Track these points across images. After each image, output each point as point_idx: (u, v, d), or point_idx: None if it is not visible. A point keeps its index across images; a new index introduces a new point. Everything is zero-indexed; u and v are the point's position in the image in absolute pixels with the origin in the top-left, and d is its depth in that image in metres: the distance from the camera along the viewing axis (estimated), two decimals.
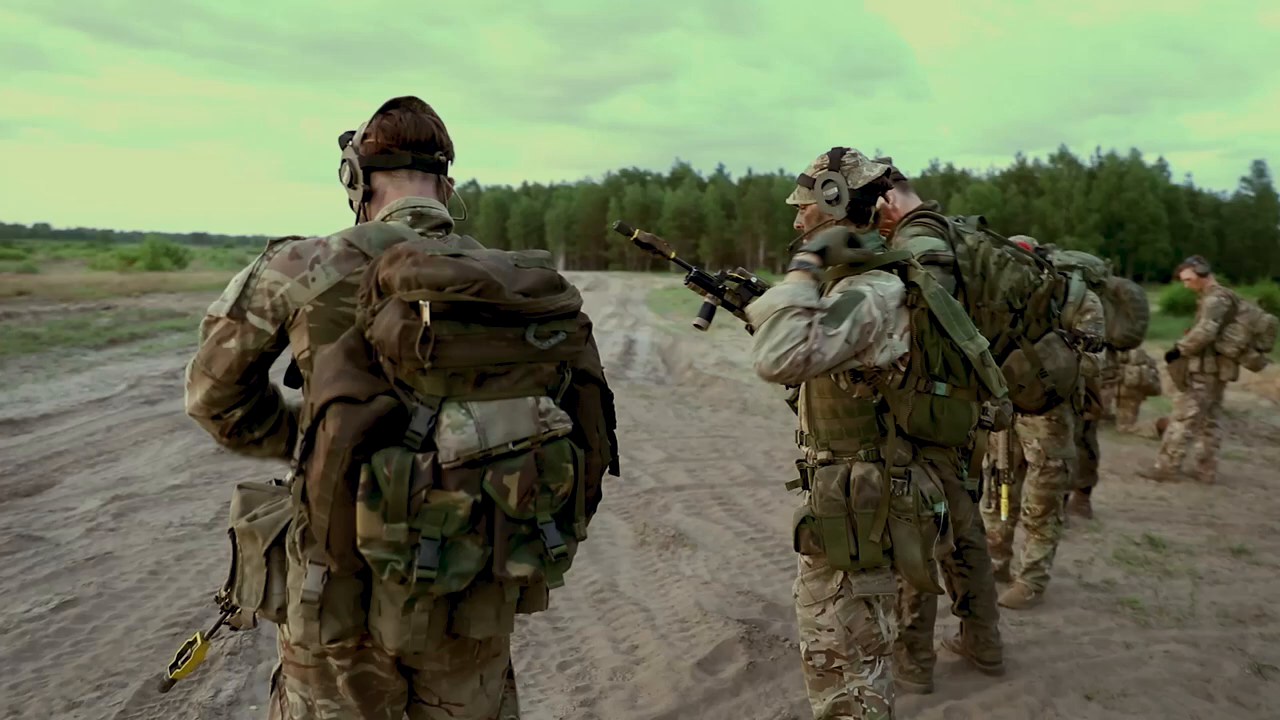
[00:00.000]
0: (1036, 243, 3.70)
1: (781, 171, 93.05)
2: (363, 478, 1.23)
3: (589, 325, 1.48)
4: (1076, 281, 3.63)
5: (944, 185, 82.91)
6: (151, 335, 12.89)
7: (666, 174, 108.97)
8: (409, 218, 1.56)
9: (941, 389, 2.00)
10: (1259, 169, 70.89)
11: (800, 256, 2.04)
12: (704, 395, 10.06)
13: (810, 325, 1.89)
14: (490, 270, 1.29)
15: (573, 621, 3.74)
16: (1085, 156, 73.04)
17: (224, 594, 1.54)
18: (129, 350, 11.40)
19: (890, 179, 2.34)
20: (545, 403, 1.37)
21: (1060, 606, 3.99)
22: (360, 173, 1.63)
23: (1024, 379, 2.95)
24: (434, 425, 1.26)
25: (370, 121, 1.63)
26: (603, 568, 4.38)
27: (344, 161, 1.67)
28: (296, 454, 1.30)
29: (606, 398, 1.54)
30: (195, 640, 1.71)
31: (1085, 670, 3.36)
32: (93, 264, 31.08)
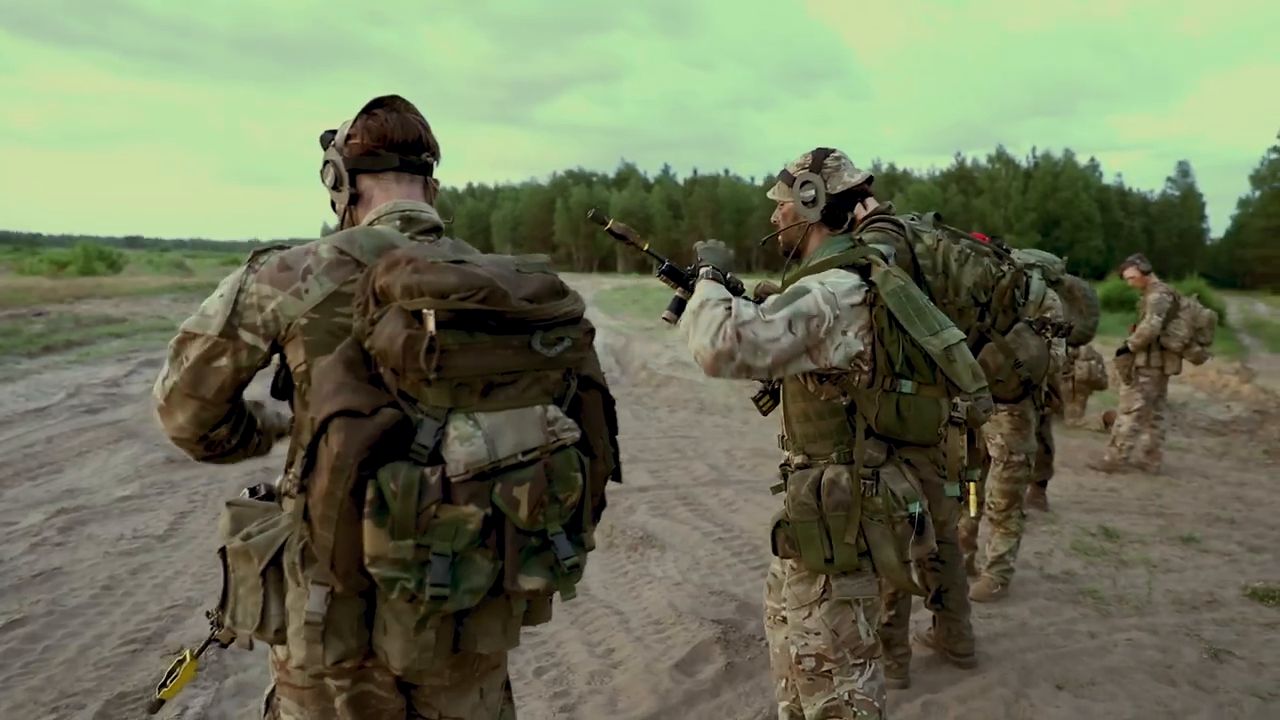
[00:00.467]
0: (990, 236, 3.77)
1: (727, 172, 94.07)
2: (369, 494, 1.18)
3: (593, 331, 1.46)
4: (1036, 280, 3.71)
5: (887, 185, 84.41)
6: (89, 342, 12.41)
7: (612, 175, 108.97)
8: (398, 222, 1.53)
9: (907, 387, 1.99)
10: (1183, 170, 73.74)
11: (701, 269, 2.16)
12: (660, 396, 10.06)
13: (730, 309, 1.90)
14: (494, 277, 1.25)
15: (545, 626, 3.69)
16: (1022, 157, 75.05)
17: (214, 614, 1.48)
18: (65, 358, 10.96)
19: (869, 186, 2.35)
20: (553, 411, 1.34)
21: (1025, 598, 4.08)
22: (345, 175, 1.58)
23: (1000, 372, 3.00)
24: (441, 437, 1.23)
25: (354, 122, 1.58)
26: None
27: (327, 163, 1.62)
28: (296, 471, 1.25)
29: (609, 403, 1.52)
30: (184, 658, 1.65)
31: (1054, 660, 3.43)
32: (20, 269, 29.78)
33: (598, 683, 3.20)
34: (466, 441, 1.22)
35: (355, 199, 1.60)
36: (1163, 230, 72.03)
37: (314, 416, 1.21)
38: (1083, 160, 71.69)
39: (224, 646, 1.58)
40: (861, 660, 2.16)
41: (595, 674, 3.26)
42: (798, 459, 2.18)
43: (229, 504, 1.49)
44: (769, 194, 2.45)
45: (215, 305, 1.39)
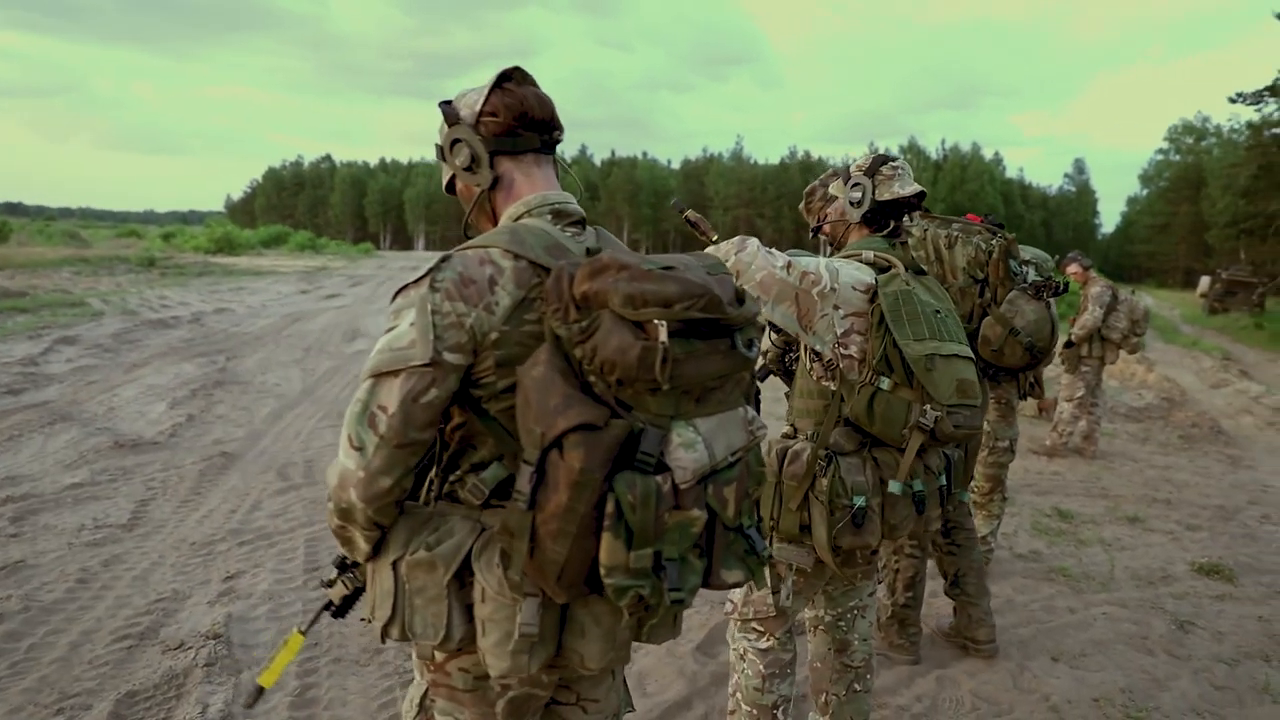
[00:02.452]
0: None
1: (644, 154, 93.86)
2: (609, 507, 1.17)
3: (762, 328, 1.49)
4: (1032, 275, 3.88)
5: (802, 172, 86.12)
6: None
7: None
8: (549, 216, 1.46)
9: (884, 384, 2.08)
10: (1079, 166, 77.75)
11: None
12: None
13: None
14: (708, 283, 1.26)
15: None
16: (932, 149, 77.62)
17: (369, 619, 1.42)
18: None
19: (919, 200, 2.40)
20: (750, 411, 1.37)
21: (1005, 577, 4.29)
22: (485, 157, 1.47)
23: (998, 342, 3.13)
24: (664, 445, 1.22)
25: (487, 95, 1.47)
26: None
27: (457, 141, 1.48)
28: (522, 487, 1.20)
29: (757, 396, 1.56)
30: (287, 640, 1.60)
31: (1045, 635, 3.64)
32: None
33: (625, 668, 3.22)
34: (690, 448, 1.23)
35: (494, 184, 1.50)
36: (1060, 224, 75.82)
37: (541, 431, 1.18)
38: (988, 154, 74.70)
39: (337, 617, 1.58)
40: (763, 629, 2.29)
41: None
42: (784, 429, 2.31)
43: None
44: (830, 189, 2.50)
45: (408, 335, 1.29)
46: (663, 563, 1.22)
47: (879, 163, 2.36)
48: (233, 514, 4.68)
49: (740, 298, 1.33)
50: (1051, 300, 3.31)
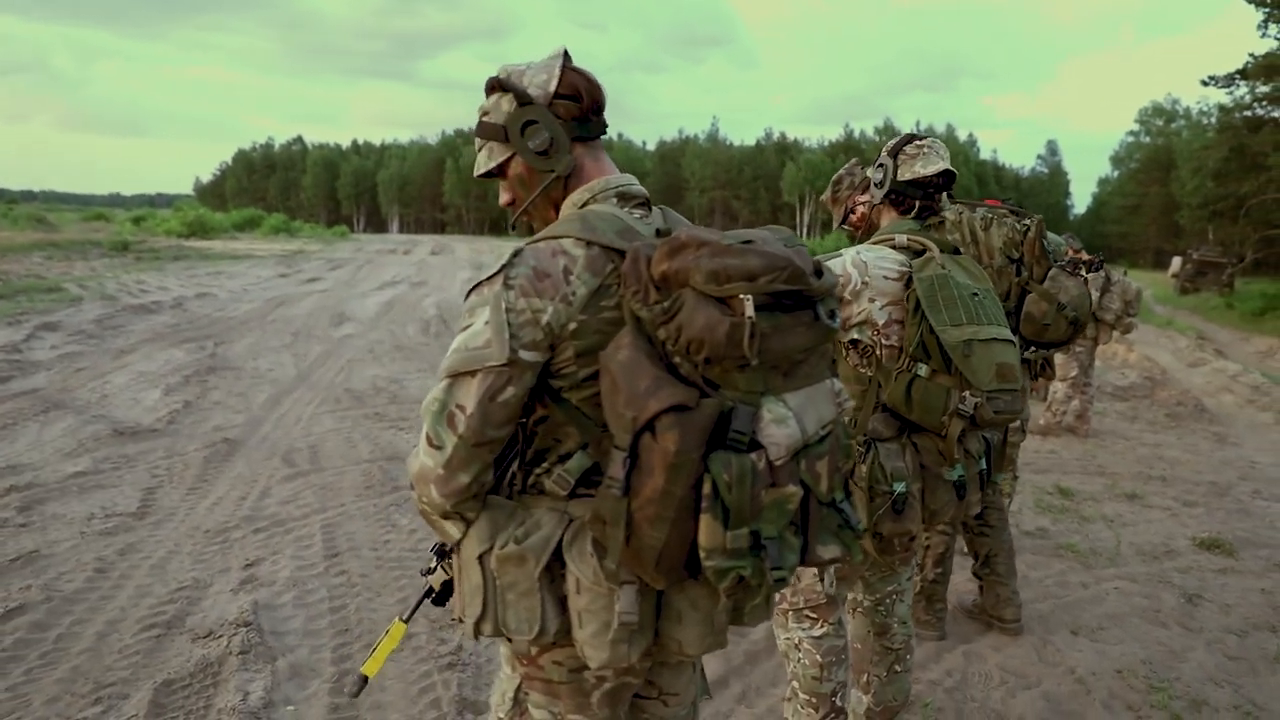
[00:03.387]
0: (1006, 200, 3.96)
1: (620, 136, 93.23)
2: (705, 488, 1.16)
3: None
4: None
5: (778, 154, 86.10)
6: None
7: None
8: (614, 199, 1.43)
9: (922, 370, 2.08)
10: (1052, 148, 78.33)
11: None
12: None
13: None
14: (789, 255, 1.25)
15: None
16: (907, 130, 77.82)
17: (459, 617, 1.41)
18: None
19: (942, 179, 2.39)
20: (835, 382, 1.36)
21: (1017, 554, 4.36)
22: (566, 141, 1.41)
23: (1046, 317, 3.17)
24: (756, 422, 1.22)
25: (558, 75, 1.40)
26: None
27: (532, 123, 1.39)
28: (615, 473, 1.18)
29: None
30: (389, 630, 1.60)
31: (1063, 609, 3.71)
32: None
33: None
34: (782, 423, 1.21)
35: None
36: (1033, 205, 76.32)
37: (634, 415, 1.16)
38: (962, 136, 75.15)
39: (439, 604, 1.56)
40: (816, 616, 2.29)
41: None
42: None
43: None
44: (868, 172, 2.52)
45: (484, 334, 1.27)
46: (762, 542, 1.23)
47: (904, 142, 2.36)
48: (243, 501, 4.64)
49: (819, 270, 1.34)
50: (1087, 275, 3.37)
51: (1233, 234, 31.16)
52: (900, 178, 2.31)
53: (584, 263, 1.30)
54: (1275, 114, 24.00)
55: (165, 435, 5.78)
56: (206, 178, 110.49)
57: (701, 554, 1.17)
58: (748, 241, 1.23)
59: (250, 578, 3.66)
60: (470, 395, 1.27)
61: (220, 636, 3.13)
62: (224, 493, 4.76)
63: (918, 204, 2.33)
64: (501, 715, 1.49)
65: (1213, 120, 47.99)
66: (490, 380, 1.27)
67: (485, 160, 1.48)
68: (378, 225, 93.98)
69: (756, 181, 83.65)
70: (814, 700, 2.29)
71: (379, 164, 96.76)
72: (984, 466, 2.20)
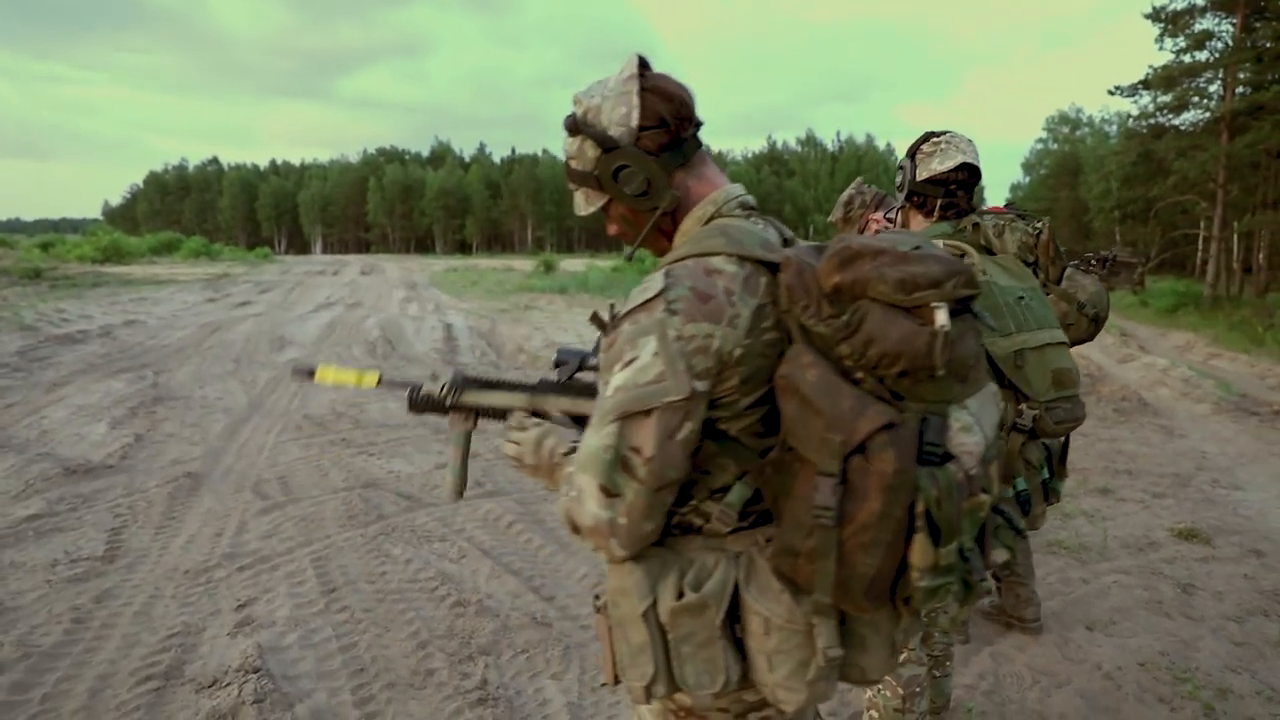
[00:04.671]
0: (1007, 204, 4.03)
1: (545, 151, 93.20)
2: (919, 506, 1.11)
3: None
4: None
5: None
6: None
7: (426, 153, 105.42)
8: (738, 211, 1.35)
9: None
10: None
11: None
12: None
13: None
14: (958, 259, 1.22)
15: (591, 617, 3.59)
16: (828, 141, 79.77)
17: (610, 683, 1.32)
18: None
19: (962, 174, 2.37)
20: (993, 384, 1.32)
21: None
22: (662, 177, 1.30)
23: (1068, 318, 3.22)
24: (945, 432, 1.17)
25: (637, 105, 1.29)
26: (582, 560, 4.23)
27: (624, 168, 1.30)
28: (825, 501, 1.11)
29: None
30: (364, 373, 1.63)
31: (1073, 605, 3.77)
32: None
33: None
34: (969, 431, 1.17)
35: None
36: None
37: (843, 438, 1.10)
38: (881, 145, 77.37)
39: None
40: None
41: None
42: None
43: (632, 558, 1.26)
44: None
45: (654, 367, 1.16)
46: (965, 554, 1.19)
47: (920, 142, 2.35)
48: (218, 537, 4.38)
49: None
50: (1101, 273, 3.42)
51: (1140, 235, 32.76)
52: (918, 178, 2.29)
53: (740, 281, 1.22)
54: (1174, 122, 25.34)
55: (120, 471, 5.44)
56: (116, 201, 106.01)
57: (914, 574, 1.13)
58: (917, 247, 1.19)
59: (246, 619, 3.45)
60: (648, 436, 1.17)
61: (228, 685, 2.93)
62: (196, 530, 4.49)
63: (939, 203, 2.31)
64: None
65: (1114, 128, 50.50)
66: (668, 418, 1.17)
67: (584, 204, 1.40)
68: (300, 246, 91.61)
69: None
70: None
71: (299, 184, 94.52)
72: (1046, 476, 2.18)
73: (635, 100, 1.29)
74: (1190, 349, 15.47)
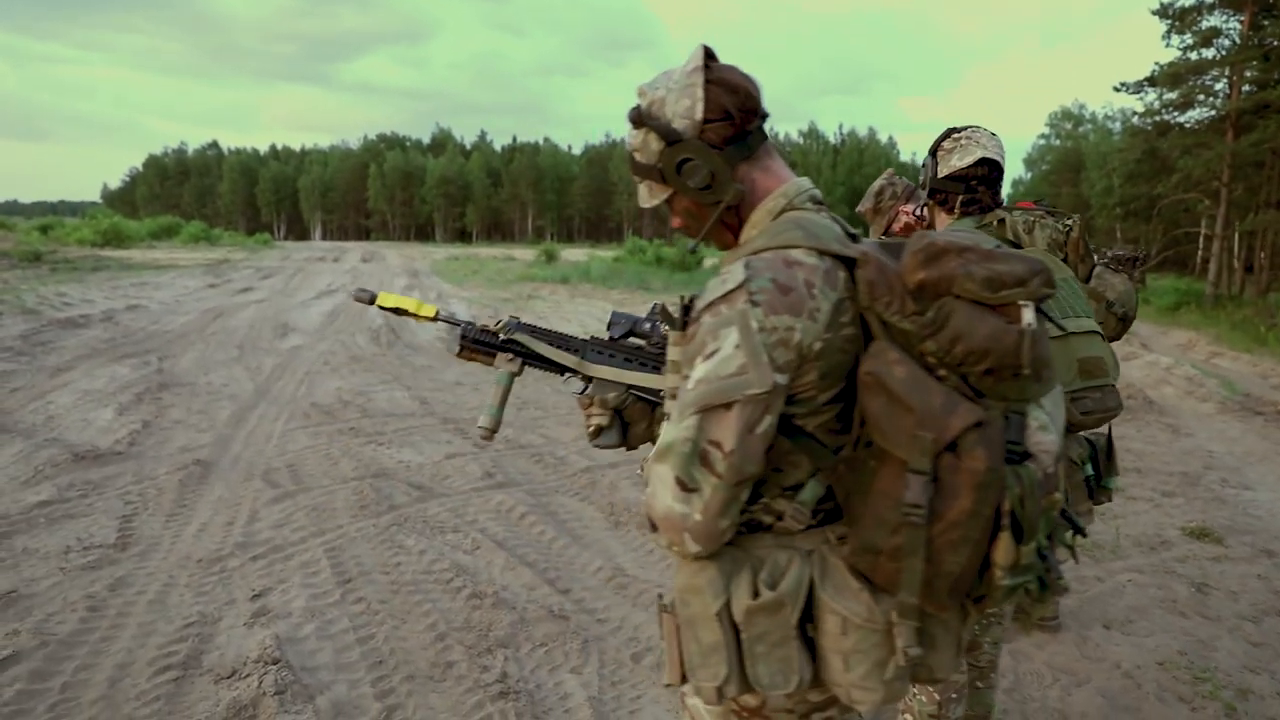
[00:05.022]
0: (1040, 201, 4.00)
1: (546, 140, 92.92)
2: (1006, 504, 1.10)
3: None
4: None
5: None
6: None
7: (427, 140, 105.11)
8: (809, 204, 1.33)
9: None
10: None
11: None
12: None
13: None
14: (1039, 259, 1.21)
15: (608, 610, 3.59)
16: (830, 133, 79.58)
17: (675, 683, 1.30)
18: None
19: (982, 169, 2.34)
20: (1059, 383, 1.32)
21: None
22: (727, 171, 1.28)
23: (1097, 315, 3.20)
24: (1023, 431, 1.17)
25: (702, 97, 1.27)
26: (597, 553, 4.23)
27: (688, 161, 1.28)
28: (914, 497, 1.10)
29: None
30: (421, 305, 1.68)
31: (1089, 604, 3.77)
32: None
33: None
34: (1046, 430, 1.18)
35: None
36: None
37: (934, 436, 1.09)
38: (883, 139, 77.24)
39: None
40: None
41: None
42: None
43: (703, 557, 1.24)
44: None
45: (736, 359, 1.15)
46: (1042, 553, 1.18)
47: (942, 138, 2.32)
48: (231, 526, 4.37)
49: None
50: (1133, 271, 3.40)
51: (1142, 233, 32.74)
52: (939, 174, 2.26)
53: (821, 275, 1.20)
54: (1180, 119, 25.29)
55: (129, 458, 5.42)
56: (115, 184, 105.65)
57: (997, 573, 1.13)
58: (999, 246, 1.19)
59: (262, 609, 3.43)
60: (728, 430, 1.15)
61: (248, 676, 2.92)
62: (208, 518, 4.48)
63: (960, 199, 2.28)
64: None
65: (1117, 125, 50.40)
66: (749, 411, 1.15)
67: (648, 196, 1.38)
68: (300, 232, 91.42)
69: None
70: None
71: (299, 169, 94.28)
72: (1090, 472, 2.15)
73: (700, 93, 1.27)
74: (1192, 347, 15.47)
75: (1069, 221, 3.12)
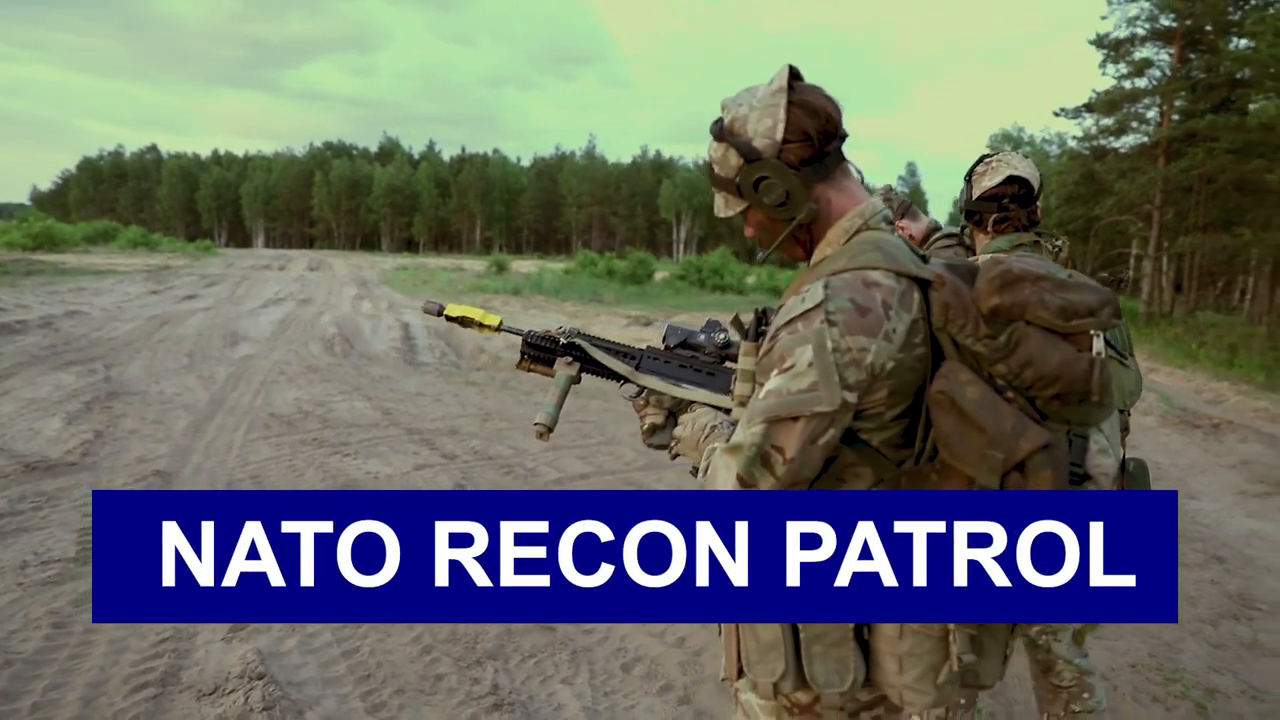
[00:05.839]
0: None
1: (495, 151, 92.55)
2: None
3: None
4: None
5: (654, 171, 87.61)
6: None
7: (374, 149, 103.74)
8: (884, 225, 1.36)
9: None
10: (911, 169, 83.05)
11: None
12: (522, 380, 9.79)
13: None
14: (1106, 289, 1.27)
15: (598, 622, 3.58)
16: None
17: (731, 678, 1.34)
18: None
19: (1010, 188, 2.41)
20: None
21: None
22: (802, 190, 1.31)
23: None
24: (1084, 454, 1.24)
25: (783, 119, 1.30)
26: None
27: (764, 179, 1.31)
28: None
29: None
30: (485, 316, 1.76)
31: None
32: None
33: (693, 671, 3.17)
34: (1106, 454, 1.26)
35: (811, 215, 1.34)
36: None
37: (1004, 455, 1.15)
38: None
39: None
40: None
41: (683, 663, 3.23)
42: None
43: None
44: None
45: (807, 377, 1.19)
46: None
47: (975, 164, 2.40)
48: None
49: None
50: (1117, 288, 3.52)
51: (1079, 252, 33.90)
52: (974, 196, 2.33)
53: (897, 296, 1.23)
54: (1115, 144, 26.33)
55: (83, 469, 5.23)
56: (45, 185, 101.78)
57: None
58: (1071, 275, 1.25)
59: (239, 625, 3.34)
60: (792, 440, 1.20)
61: (232, 692, 2.83)
62: None
63: (992, 218, 2.35)
64: None
65: (1055, 148, 52.17)
66: (814, 425, 1.19)
67: (723, 207, 1.41)
68: (242, 240, 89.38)
69: (634, 198, 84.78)
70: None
71: (242, 175, 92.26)
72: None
73: (781, 114, 1.30)
74: None
75: (1058, 243, 3.22)
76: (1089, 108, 25.59)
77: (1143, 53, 24.23)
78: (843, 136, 1.36)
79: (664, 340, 1.63)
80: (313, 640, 3.25)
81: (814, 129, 1.30)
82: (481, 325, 1.70)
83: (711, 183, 1.40)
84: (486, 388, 9.12)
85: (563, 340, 1.66)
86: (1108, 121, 25.86)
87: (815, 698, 1.32)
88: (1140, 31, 23.86)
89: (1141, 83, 24.47)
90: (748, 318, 1.39)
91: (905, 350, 1.22)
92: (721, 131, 1.35)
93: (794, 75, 1.34)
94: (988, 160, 2.39)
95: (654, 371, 1.59)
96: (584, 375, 1.68)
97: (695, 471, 1.41)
